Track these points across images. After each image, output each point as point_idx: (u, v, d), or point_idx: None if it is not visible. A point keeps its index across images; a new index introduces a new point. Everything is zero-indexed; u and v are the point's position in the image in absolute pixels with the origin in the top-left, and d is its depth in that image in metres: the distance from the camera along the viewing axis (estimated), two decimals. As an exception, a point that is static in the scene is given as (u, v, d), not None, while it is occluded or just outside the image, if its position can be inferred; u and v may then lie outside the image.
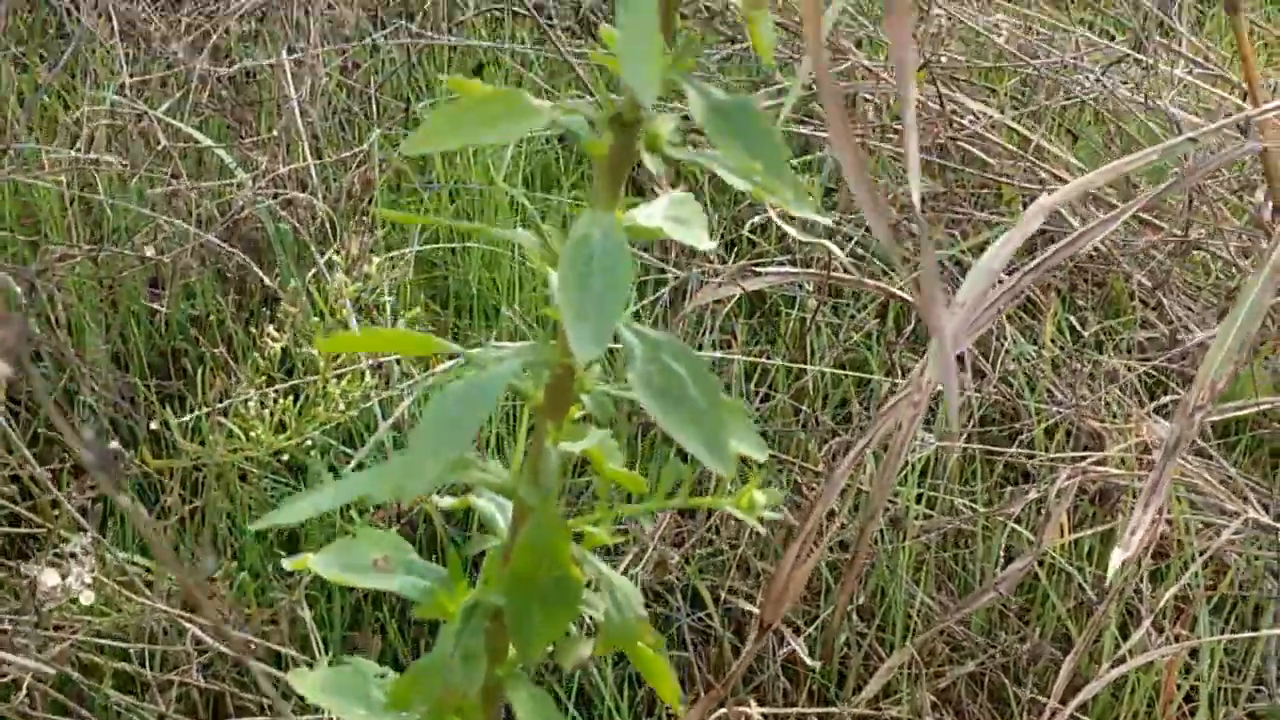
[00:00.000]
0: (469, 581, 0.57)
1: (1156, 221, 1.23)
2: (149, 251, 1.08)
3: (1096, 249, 1.40)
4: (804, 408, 1.26)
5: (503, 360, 0.51)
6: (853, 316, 1.35)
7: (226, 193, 1.24)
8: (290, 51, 1.32)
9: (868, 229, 1.47)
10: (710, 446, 0.47)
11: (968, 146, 1.50)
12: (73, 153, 1.16)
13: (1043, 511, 1.14)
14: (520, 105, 0.48)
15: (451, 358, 0.98)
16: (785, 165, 0.45)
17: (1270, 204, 0.86)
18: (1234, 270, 1.40)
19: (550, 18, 1.69)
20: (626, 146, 0.50)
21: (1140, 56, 1.34)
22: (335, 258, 0.91)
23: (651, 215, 0.55)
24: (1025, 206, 1.50)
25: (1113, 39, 1.78)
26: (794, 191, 0.47)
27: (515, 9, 1.69)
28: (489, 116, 0.47)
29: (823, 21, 0.51)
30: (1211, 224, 1.25)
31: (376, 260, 0.91)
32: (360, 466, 0.98)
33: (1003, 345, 1.35)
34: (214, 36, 1.38)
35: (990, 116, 1.34)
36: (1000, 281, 0.78)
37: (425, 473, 0.48)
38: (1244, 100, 1.47)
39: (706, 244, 0.57)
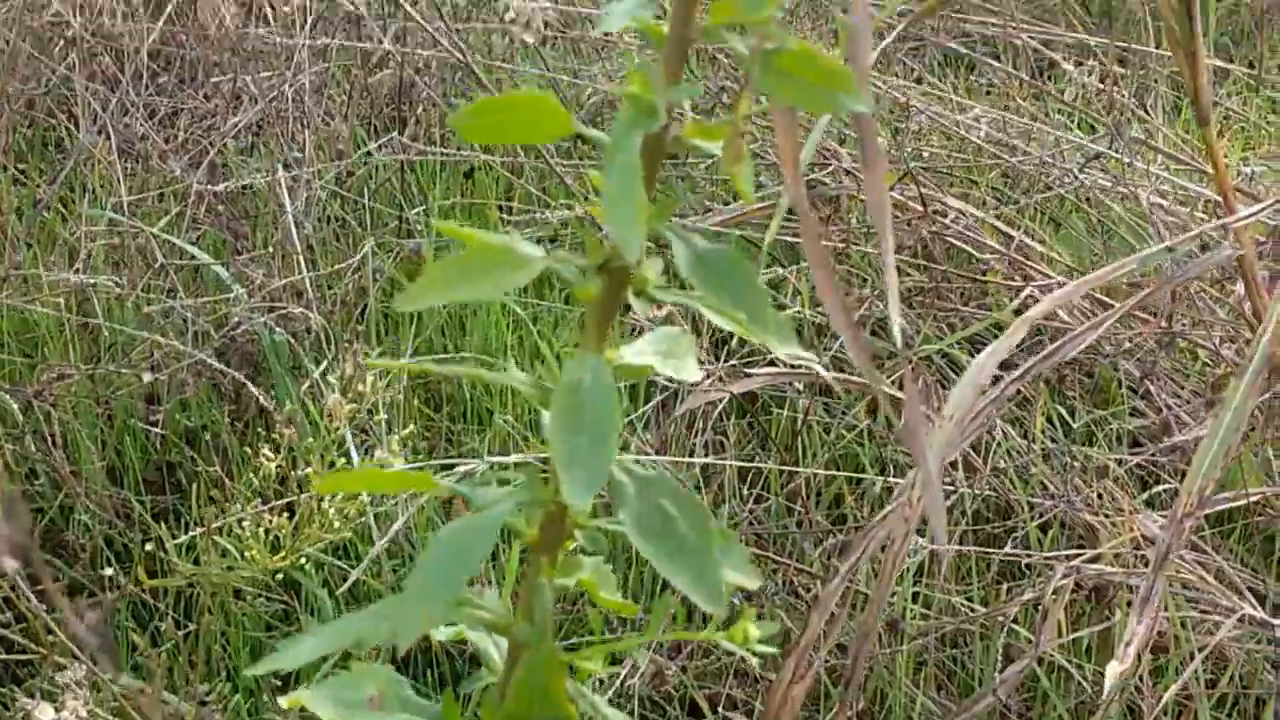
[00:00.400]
0: (464, 714, 0.58)
1: (1141, 314, 1.24)
2: (146, 377, 1.09)
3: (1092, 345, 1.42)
4: (797, 507, 1.26)
5: (497, 501, 0.52)
6: (843, 414, 1.36)
7: (222, 307, 1.25)
8: (286, 166, 1.35)
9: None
10: (703, 586, 0.48)
11: (951, 240, 1.53)
12: (71, 275, 1.18)
13: (1040, 608, 1.14)
14: (513, 257, 0.49)
15: (448, 470, 0.99)
16: (767, 312, 0.47)
17: (1249, 305, 0.88)
18: (1219, 357, 1.42)
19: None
20: (615, 290, 0.51)
21: (1116, 155, 1.37)
22: (330, 378, 0.92)
23: (641, 352, 0.56)
24: (1011, 298, 1.53)
25: (1092, 129, 1.83)
26: (777, 335, 0.48)
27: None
28: (482, 269, 0.49)
29: (800, 160, 0.53)
30: (1194, 315, 1.27)
31: (371, 379, 0.93)
32: (356, 585, 0.98)
33: (993, 439, 1.36)
34: (211, 153, 1.41)
35: (972, 215, 1.37)
36: (984, 391, 0.79)
37: (421, 617, 0.48)
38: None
39: (694, 375, 0.59)
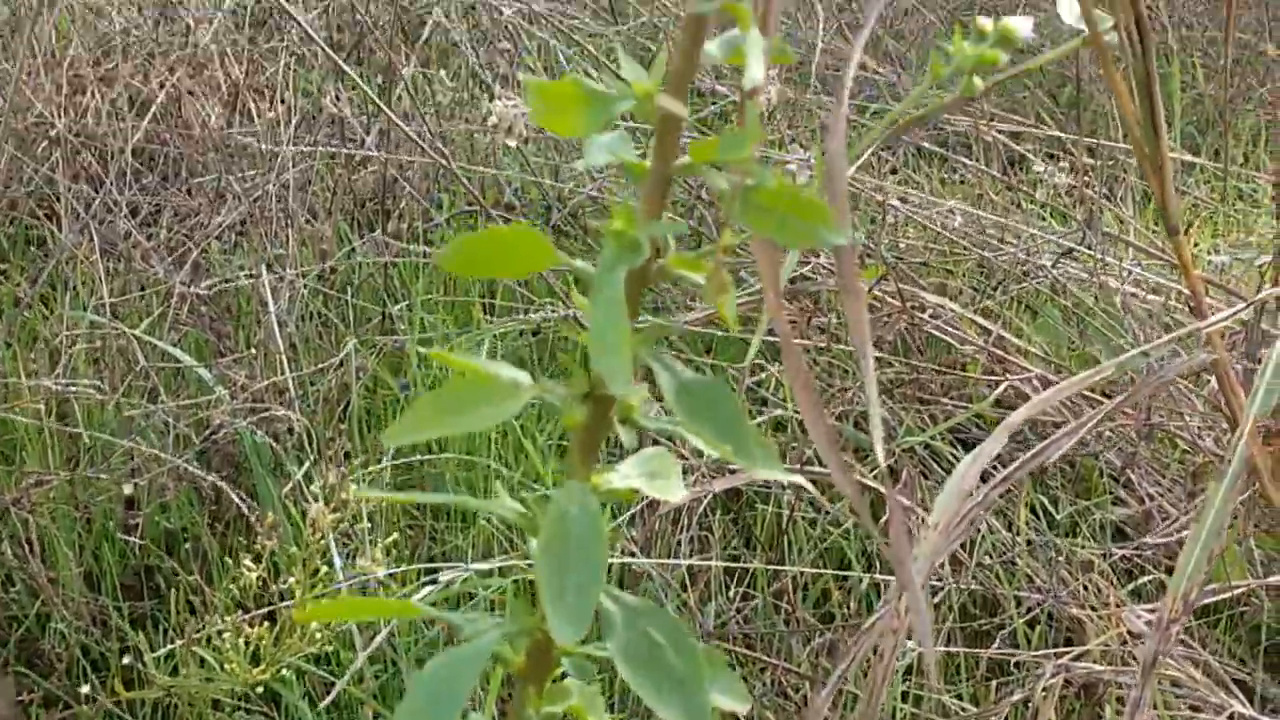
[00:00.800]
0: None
1: (1123, 409, 1.26)
2: (126, 489, 1.08)
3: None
4: (784, 605, 1.26)
5: (484, 632, 0.52)
6: (828, 511, 1.36)
7: (204, 409, 1.25)
8: (269, 266, 1.36)
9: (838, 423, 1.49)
10: (691, 717, 0.47)
11: (930, 330, 1.55)
12: (50, 382, 1.18)
13: (1030, 706, 1.13)
14: (500, 388, 0.50)
15: (433, 579, 0.98)
16: (752, 443, 0.47)
17: (1225, 404, 0.89)
18: (1196, 446, 1.43)
19: (518, 217, 1.74)
20: (600, 417, 0.52)
21: (1090, 253, 1.40)
22: (314, 487, 0.92)
23: (627, 475, 0.56)
24: (990, 389, 1.54)
25: (1064, 219, 1.86)
26: (763, 463, 0.48)
27: (490, 211, 1.75)
28: (469, 402, 0.49)
29: (780, 283, 0.54)
30: (1170, 405, 1.29)
31: (354, 487, 0.92)
32: (340, 696, 0.97)
33: (978, 531, 1.36)
34: (194, 254, 1.42)
35: (950, 309, 1.39)
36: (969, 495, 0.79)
37: (408, 755, 0.48)
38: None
39: (679, 494, 0.59)
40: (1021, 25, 0.51)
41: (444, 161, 1.24)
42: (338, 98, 1.51)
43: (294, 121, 1.63)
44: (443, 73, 1.56)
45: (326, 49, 1.25)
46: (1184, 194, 2.03)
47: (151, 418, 1.20)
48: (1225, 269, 1.71)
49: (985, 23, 0.51)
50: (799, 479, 0.54)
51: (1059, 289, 1.53)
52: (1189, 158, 1.98)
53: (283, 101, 1.94)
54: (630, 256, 0.47)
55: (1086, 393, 1.47)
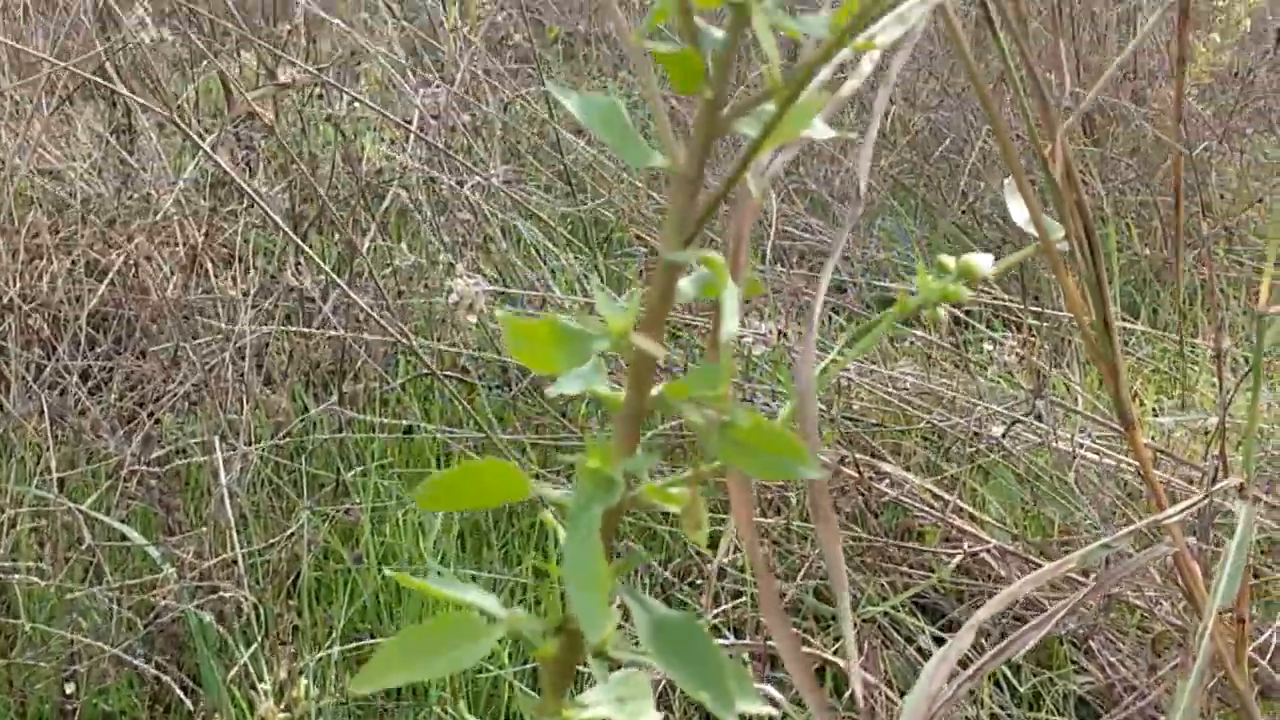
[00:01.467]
0: None
1: (1080, 580, 1.26)
2: (68, 689, 1.04)
3: (1028, 599, 1.43)
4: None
5: None
6: (792, 687, 1.33)
7: (150, 589, 1.21)
8: (222, 437, 1.34)
9: (804, 593, 1.48)
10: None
11: (887, 491, 1.56)
12: (-8, 567, 1.14)
13: None
14: (471, 625, 0.49)
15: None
16: (727, 684, 0.46)
17: (1186, 592, 0.90)
18: (1153, 614, 1.44)
19: (475, 381, 1.74)
20: (572, 650, 0.51)
21: (1039, 424, 1.42)
22: (264, 685, 0.89)
23: (597, 702, 0.55)
24: (948, 559, 1.55)
25: (1013, 382, 1.90)
26: (741, 702, 0.47)
27: (448, 373, 1.75)
28: (440, 642, 0.48)
29: (752, 508, 0.54)
30: (1130, 580, 1.29)
31: (305, 683, 0.89)
32: None
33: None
34: (146, 424, 1.40)
35: (906, 480, 1.40)
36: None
37: None
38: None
39: (651, 718, 0.57)
40: (982, 261, 0.53)
41: (402, 340, 1.24)
42: (298, 266, 1.52)
43: (252, 289, 1.63)
44: (403, 244, 1.58)
45: (284, 227, 1.27)
46: (1126, 353, 2.08)
47: (95, 599, 1.16)
48: (1171, 431, 1.75)
49: (948, 260, 0.53)
50: (771, 711, 0.53)
51: (1010, 455, 1.55)
52: (1128, 322, 2.04)
53: (241, 261, 1.95)
54: (605, 496, 0.47)
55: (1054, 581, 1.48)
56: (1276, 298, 0.88)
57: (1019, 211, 0.74)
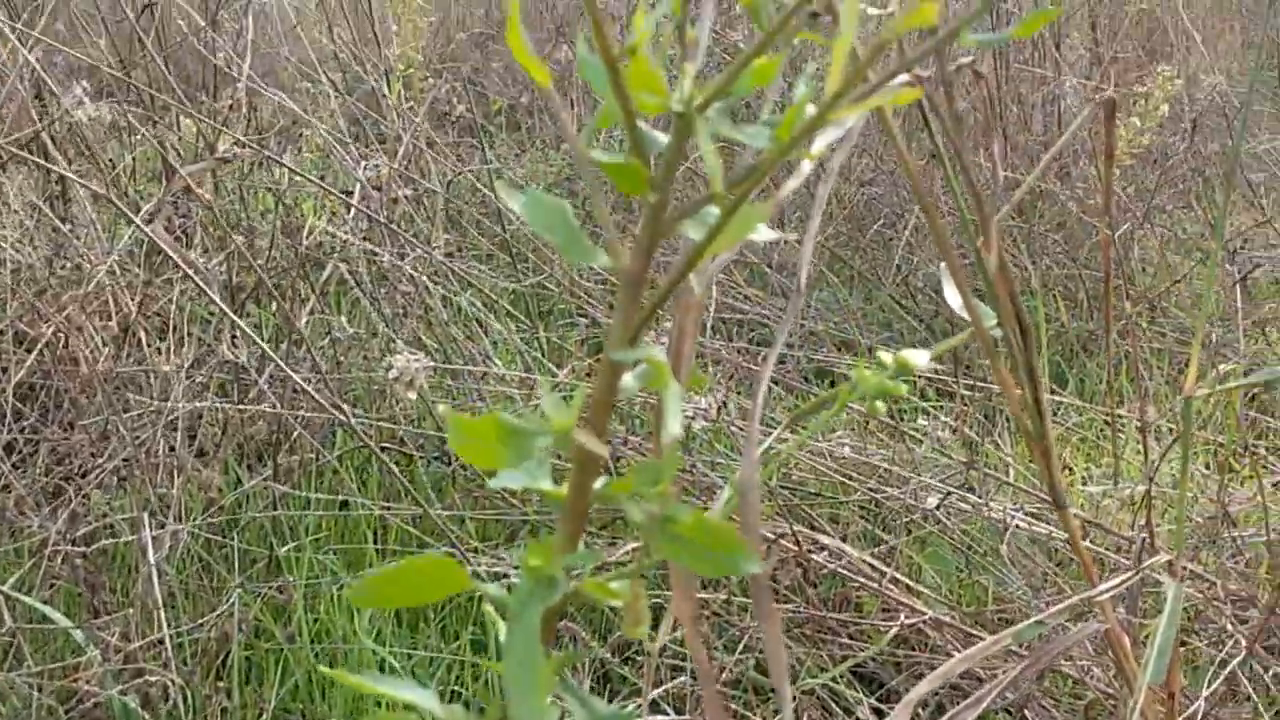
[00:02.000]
0: None
1: (1017, 649, 1.28)
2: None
3: (968, 670, 1.45)
4: None
5: None
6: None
7: (74, 672, 1.18)
8: (151, 514, 1.32)
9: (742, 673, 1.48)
10: None
11: (825, 564, 1.57)
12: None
13: None
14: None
15: None
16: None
17: (1118, 668, 0.91)
18: (1084, 682, 1.46)
19: (414, 453, 1.73)
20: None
21: (974, 497, 1.45)
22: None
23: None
24: (885, 630, 1.56)
25: (948, 453, 1.93)
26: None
27: (386, 445, 1.73)
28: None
29: (693, 601, 0.55)
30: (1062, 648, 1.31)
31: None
32: None
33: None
34: (73, 501, 1.37)
35: (844, 552, 1.41)
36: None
37: None
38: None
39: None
40: (918, 357, 0.54)
41: (337, 416, 1.23)
42: (234, 339, 1.51)
43: (186, 362, 1.61)
44: (343, 317, 1.58)
45: (220, 303, 1.26)
46: (1056, 422, 2.13)
47: (14, 684, 1.12)
48: (1099, 500, 1.79)
49: (885, 356, 0.54)
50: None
51: (945, 525, 1.57)
52: (1057, 394, 2.09)
53: (175, 330, 1.92)
54: (546, 594, 0.47)
55: (982, 634, 1.50)
56: (1206, 380, 0.91)
57: (953, 296, 0.76)
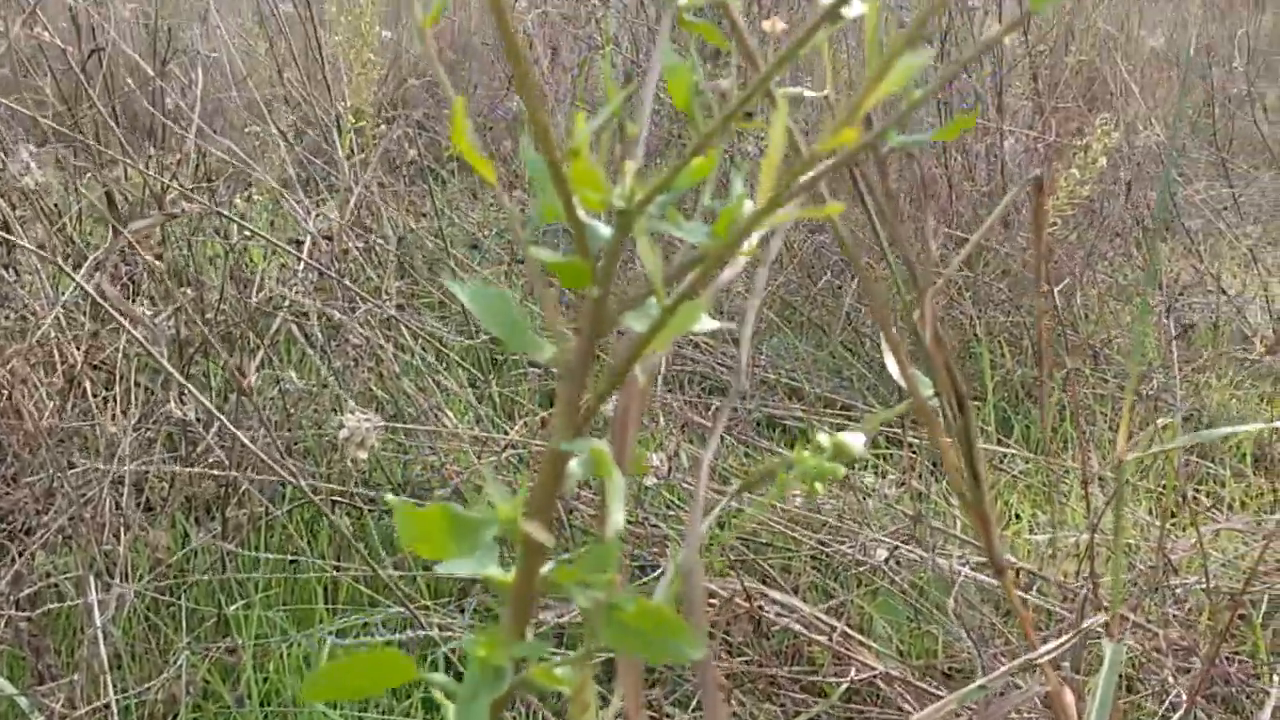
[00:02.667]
0: None
1: (970, 705, 1.29)
2: None
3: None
4: None
5: None
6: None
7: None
8: (97, 575, 1.30)
9: None
10: None
11: (776, 620, 1.58)
12: None
13: None
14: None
15: None
16: None
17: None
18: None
19: (364, 507, 1.72)
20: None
21: (925, 554, 1.47)
22: None
23: None
24: (835, 685, 1.57)
25: (897, 505, 1.95)
26: None
27: (336, 498, 1.72)
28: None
29: (640, 688, 0.55)
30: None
31: None
32: None
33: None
34: (16, 561, 1.34)
35: (796, 606, 1.42)
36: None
37: None
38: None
39: None
40: (855, 440, 0.56)
41: (286, 477, 1.23)
42: (182, 395, 1.50)
43: (134, 417, 1.59)
44: (291, 371, 1.57)
45: (164, 364, 1.25)
46: (1002, 470, 2.17)
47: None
48: (1044, 549, 1.81)
49: (823, 438, 0.55)
50: None
51: (895, 578, 1.59)
52: (1005, 444, 2.12)
53: (122, 379, 1.90)
54: (494, 684, 0.48)
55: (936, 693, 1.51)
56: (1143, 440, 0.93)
57: (893, 366, 0.78)
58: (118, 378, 1.92)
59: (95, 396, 1.97)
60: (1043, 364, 1.00)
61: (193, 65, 1.83)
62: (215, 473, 1.41)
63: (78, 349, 1.92)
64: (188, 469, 1.45)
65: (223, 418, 1.22)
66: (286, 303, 1.59)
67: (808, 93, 0.66)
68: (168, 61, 1.89)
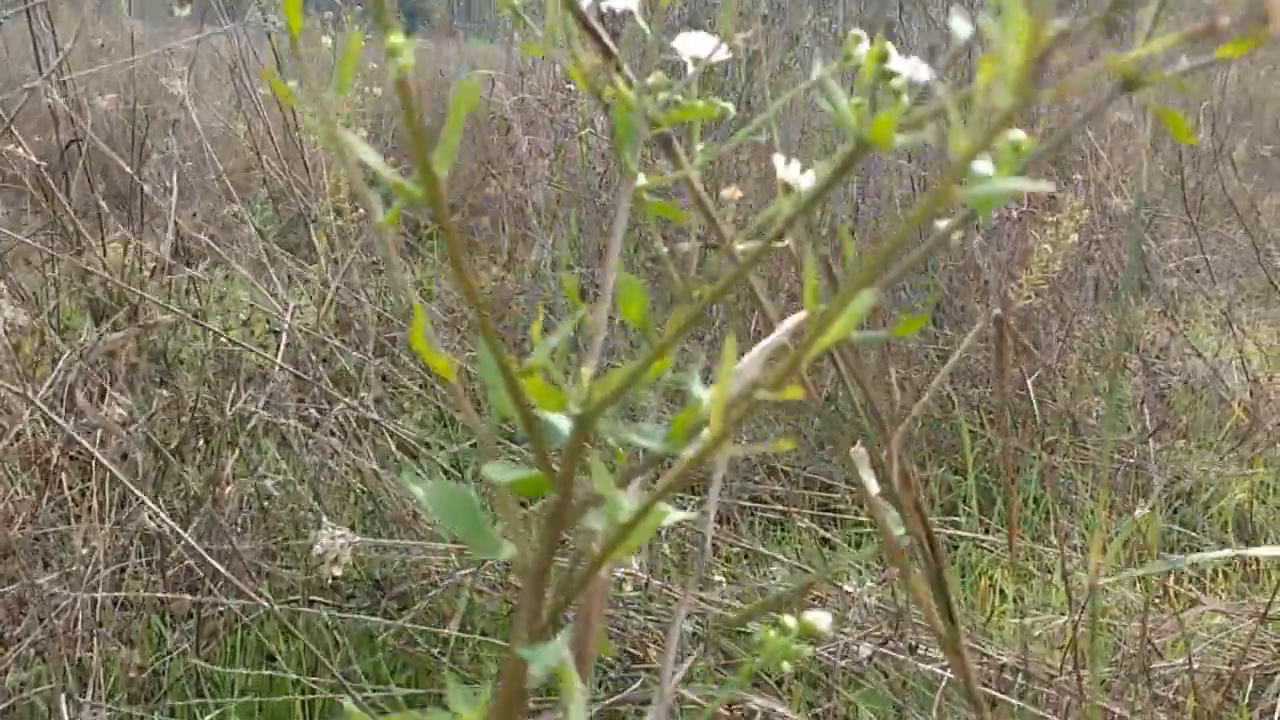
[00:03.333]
0: None
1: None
2: None
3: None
4: None
5: None
6: None
7: None
8: (69, 697, 1.28)
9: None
10: None
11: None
12: None
13: None
14: None
15: None
16: None
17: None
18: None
19: (341, 604, 1.70)
20: None
21: (907, 654, 1.46)
22: None
23: None
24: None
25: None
26: None
27: (314, 596, 1.70)
28: None
29: None
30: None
31: None
32: None
33: None
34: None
35: (779, 713, 1.41)
36: None
37: None
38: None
39: None
40: (821, 620, 0.56)
41: (255, 596, 1.22)
42: (157, 499, 1.49)
43: (109, 519, 1.58)
44: (268, 481, 1.57)
45: (130, 485, 1.24)
46: (987, 550, 2.16)
47: None
48: (1030, 630, 1.81)
49: (789, 620, 0.55)
50: None
51: (878, 671, 1.58)
52: (984, 526, 2.12)
53: (97, 469, 1.89)
54: None
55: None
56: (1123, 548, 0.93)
57: (870, 483, 0.78)
58: (94, 467, 1.91)
59: (72, 489, 1.95)
60: (1011, 522, 1.01)
61: (168, 166, 1.84)
62: (187, 586, 1.39)
63: (54, 441, 1.90)
64: (161, 575, 1.44)
65: (190, 539, 1.21)
66: (263, 403, 1.58)
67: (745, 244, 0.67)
68: (145, 158, 1.90)
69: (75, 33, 1.96)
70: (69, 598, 1.45)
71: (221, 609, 1.70)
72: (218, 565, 1.19)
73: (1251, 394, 2.94)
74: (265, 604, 1.25)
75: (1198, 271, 3.48)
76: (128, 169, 1.76)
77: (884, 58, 0.64)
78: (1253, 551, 1.12)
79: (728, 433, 0.39)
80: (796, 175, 0.63)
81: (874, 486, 0.77)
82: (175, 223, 2.07)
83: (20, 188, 2.47)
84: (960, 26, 0.41)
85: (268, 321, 2.00)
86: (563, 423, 0.50)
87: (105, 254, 2.31)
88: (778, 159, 0.63)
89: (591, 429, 0.48)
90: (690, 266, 0.66)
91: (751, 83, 2.44)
